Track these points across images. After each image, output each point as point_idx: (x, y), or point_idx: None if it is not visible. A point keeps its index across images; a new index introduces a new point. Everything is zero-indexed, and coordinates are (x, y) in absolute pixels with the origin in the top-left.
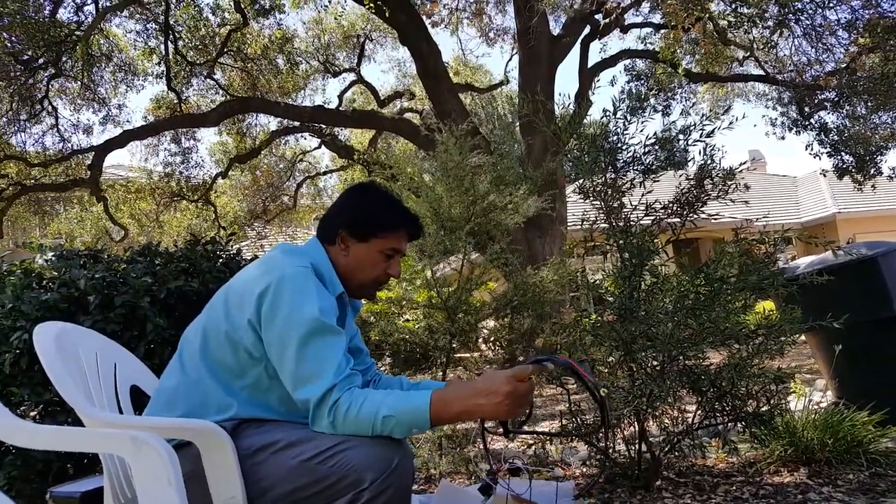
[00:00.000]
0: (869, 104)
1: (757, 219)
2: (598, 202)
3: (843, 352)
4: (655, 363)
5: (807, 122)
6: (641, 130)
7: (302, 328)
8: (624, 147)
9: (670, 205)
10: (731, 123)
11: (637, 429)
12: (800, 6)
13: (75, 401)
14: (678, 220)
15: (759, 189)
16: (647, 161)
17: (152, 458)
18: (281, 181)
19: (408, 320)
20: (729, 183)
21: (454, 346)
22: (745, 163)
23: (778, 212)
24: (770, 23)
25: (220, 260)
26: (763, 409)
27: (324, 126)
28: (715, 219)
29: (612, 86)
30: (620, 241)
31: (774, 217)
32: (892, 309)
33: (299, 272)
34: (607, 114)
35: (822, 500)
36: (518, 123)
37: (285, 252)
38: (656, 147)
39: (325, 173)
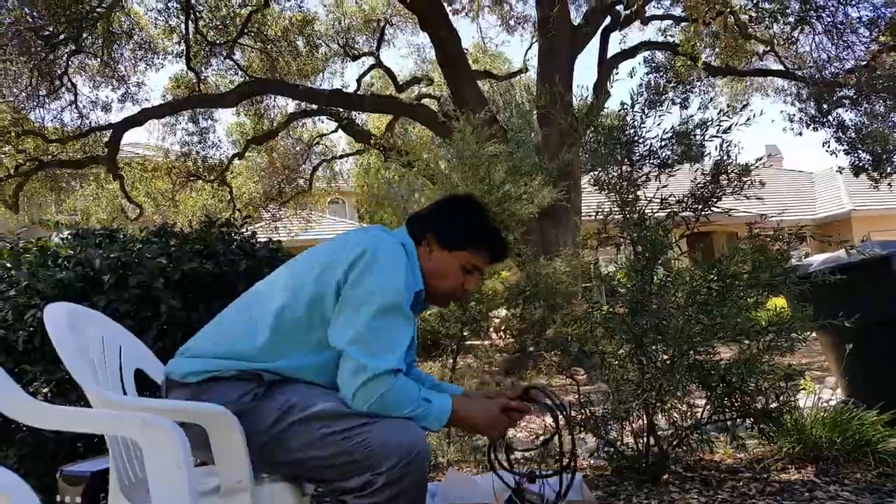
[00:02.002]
0: (888, 102)
1: (771, 216)
2: (614, 195)
3: (854, 351)
4: (665, 357)
5: (825, 119)
6: (659, 124)
7: (387, 298)
8: (641, 140)
9: (685, 199)
10: (748, 120)
11: (646, 422)
12: (821, 2)
13: (85, 382)
14: (692, 214)
15: (775, 184)
16: (664, 155)
17: (163, 441)
18: (297, 164)
19: None
20: (744, 179)
21: (465, 334)
22: (761, 159)
23: (793, 207)
24: (791, 19)
25: (235, 242)
26: (772, 405)
27: (341, 110)
28: (729, 214)
29: (631, 77)
30: (634, 235)
31: (790, 213)
32: None
33: (397, 248)
34: (625, 107)
35: (828, 499)
36: (536, 112)
37: (382, 230)
38: (673, 141)
39: (341, 157)
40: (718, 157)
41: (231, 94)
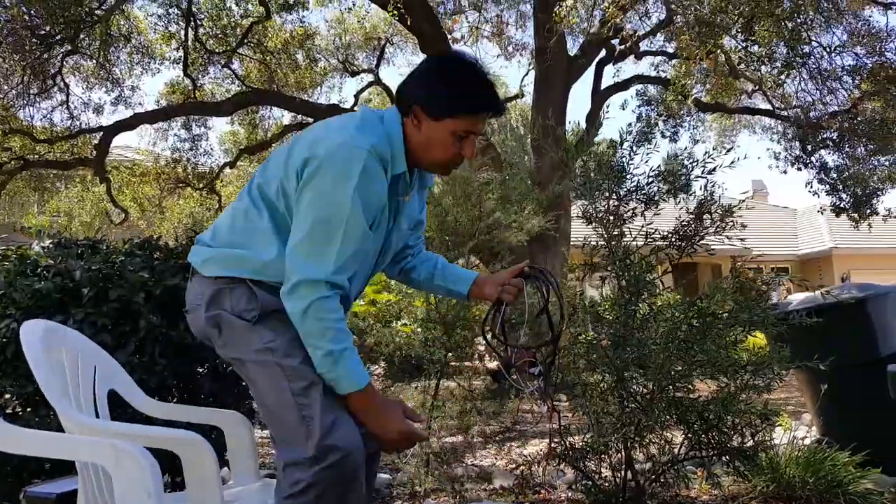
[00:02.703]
0: (868, 147)
1: (750, 258)
2: (600, 228)
3: (829, 391)
4: (646, 391)
5: (808, 160)
6: (646, 161)
7: (324, 211)
8: (628, 176)
9: (670, 235)
10: (732, 162)
11: (624, 456)
12: (807, 49)
13: (58, 404)
14: (676, 252)
15: (759, 219)
16: (651, 191)
17: (133, 469)
18: None
19: (405, 324)
20: (727, 220)
21: (449, 358)
22: (744, 200)
23: (777, 243)
24: (778, 63)
25: None
26: (748, 444)
27: None
28: (713, 253)
29: (623, 109)
30: (619, 270)
31: (773, 248)
32: (878, 352)
33: (353, 155)
34: (614, 144)
35: None
36: (530, 137)
37: (360, 123)
38: (660, 178)
39: None
40: (703, 197)
41: (227, 103)
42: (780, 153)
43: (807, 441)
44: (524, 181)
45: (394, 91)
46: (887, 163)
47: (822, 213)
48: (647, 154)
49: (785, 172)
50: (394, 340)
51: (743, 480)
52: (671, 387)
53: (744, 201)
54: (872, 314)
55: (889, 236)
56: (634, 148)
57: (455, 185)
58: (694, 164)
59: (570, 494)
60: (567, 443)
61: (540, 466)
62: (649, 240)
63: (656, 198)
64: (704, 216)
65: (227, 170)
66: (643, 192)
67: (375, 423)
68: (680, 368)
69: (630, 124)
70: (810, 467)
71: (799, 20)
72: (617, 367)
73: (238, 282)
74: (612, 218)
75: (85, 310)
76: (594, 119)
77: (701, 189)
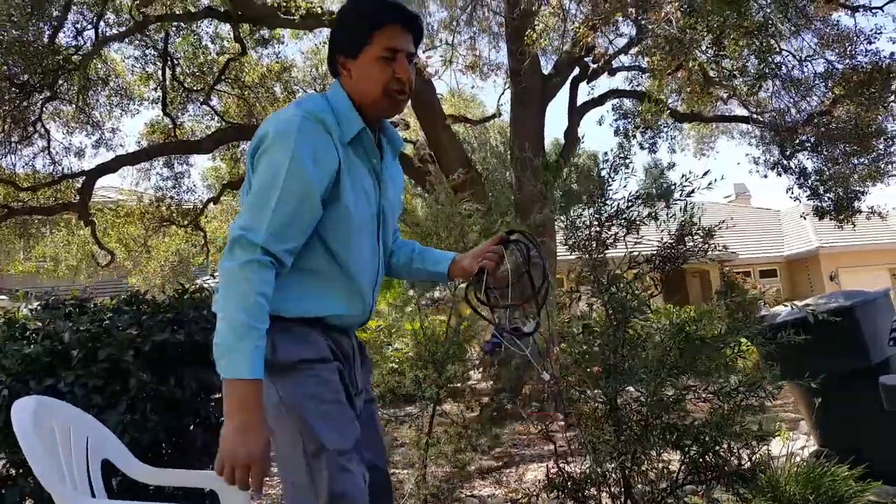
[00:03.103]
0: (845, 149)
1: (741, 254)
2: (584, 256)
3: (824, 402)
4: (639, 417)
5: (787, 165)
6: (625, 186)
7: (265, 176)
8: (608, 202)
9: (653, 258)
10: (710, 184)
11: (622, 485)
12: (778, 59)
13: (51, 484)
14: (660, 272)
15: (744, 223)
16: (631, 216)
17: None
18: None
19: (397, 349)
20: (709, 243)
21: (441, 396)
22: (723, 221)
23: (762, 245)
24: (750, 76)
25: (208, 308)
26: (745, 465)
27: None
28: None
29: (600, 125)
30: (605, 297)
31: (759, 251)
32: (868, 359)
33: (290, 124)
34: (591, 173)
35: None
36: (509, 155)
37: (298, 101)
38: (639, 202)
39: None
40: (683, 219)
41: (207, 141)
42: (759, 158)
43: (806, 452)
44: (506, 214)
45: None
46: (866, 162)
47: (804, 219)
48: (625, 179)
49: (765, 177)
50: (385, 359)
51: (743, 503)
52: (664, 414)
53: (724, 221)
54: (861, 322)
55: (873, 232)
56: (612, 175)
57: (438, 218)
58: (673, 187)
59: None
60: (565, 473)
61: (538, 499)
62: (632, 264)
63: (637, 221)
64: (686, 238)
65: (212, 205)
66: (623, 216)
67: (238, 428)
68: (672, 394)
69: (605, 153)
70: (810, 483)
71: (768, 31)
72: (609, 396)
73: None
74: (594, 244)
75: (75, 372)
76: (572, 136)
77: (681, 211)
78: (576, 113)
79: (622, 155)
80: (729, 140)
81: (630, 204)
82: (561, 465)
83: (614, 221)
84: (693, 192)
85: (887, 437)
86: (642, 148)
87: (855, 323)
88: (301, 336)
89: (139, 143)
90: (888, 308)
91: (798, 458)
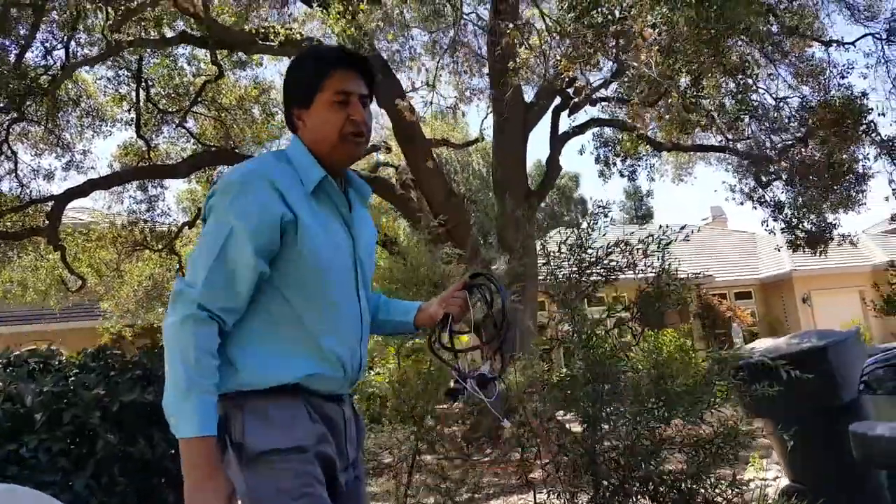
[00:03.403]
0: (819, 183)
1: (717, 277)
2: (564, 308)
3: (795, 438)
4: (617, 467)
5: (762, 197)
6: (604, 234)
7: (207, 231)
8: (588, 250)
9: (631, 307)
10: (686, 237)
11: None
12: (756, 99)
13: None
14: (638, 325)
15: (720, 245)
16: (610, 265)
17: None
18: None
19: (378, 373)
20: (684, 294)
21: (420, 447)
22: (699, 275)
23: (737, 268)
24: (727, 114)
25: None
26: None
27: None
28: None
29: (581, 154)
30: (582, 352)
31: (734, 273)
32: (840, 398)
33: (231, 185)
34: (572, 194)
35: None
36: (492, 179)
37: (252, 159)
38: (618, 249)
39: None
40: (659, 271)
41: (183, 165)
42: (734, 186)
43: (780, 483)
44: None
45: None
46: (839, 192)
47: (778, 250)
48: (605, 228)
49: (741, 204)
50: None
51: None
52: (643, 463)
53: (699, 275)
54: (833, 363)
55: (844, 256)
56: (591, 229)
57: (415, 269)
58: (650, 238)
59: None
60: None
61: None
62: (611, 313)
63: (615, 269)
64: (662, 287)
65: (187, 229)
66: (603, 264)
67: (193, 486)
68: (649, 444)
69: (590, 215)
70: None
71: (746, 72)
72: (588, 449)
73: (234, 400)
74: (574, 293)
75: (38, 436)
76: (554, 163)
77: (658, 261)
78: (557, 140)
79: (603, 206)
80: (707, 166)
81: (609, 252)
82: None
83: (593, 269)
84: (670, 244)
85: (855, 478)
86: (622, 175)
87: (827, 363)
88: (275, 418)
89: (111, 165)
90: (858, 347)
91: (770, 494)
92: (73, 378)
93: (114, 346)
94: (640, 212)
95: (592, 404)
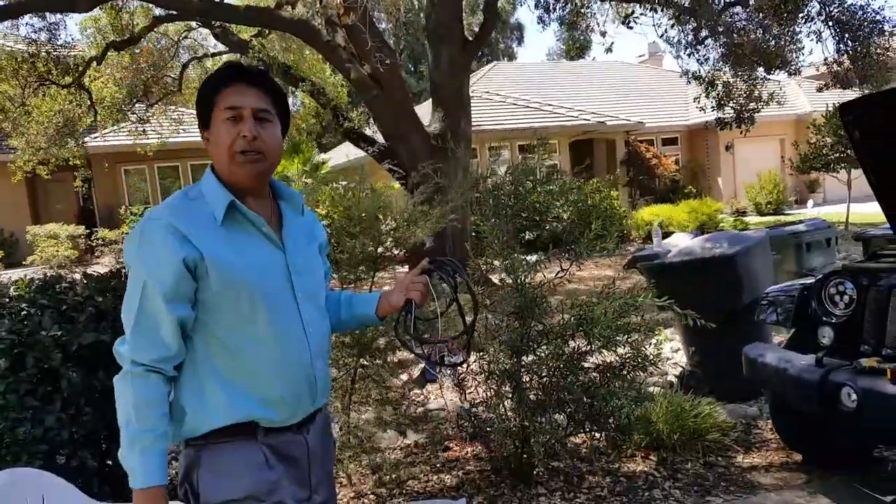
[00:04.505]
0: (753, 63)
1: (647, 123)
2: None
3: (699, 331)
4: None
5: (698, 70)
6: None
7: (128, 289)
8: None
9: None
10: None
11: (521, 436)
12: None
13: None
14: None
15: (654, 86)
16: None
17: None
18: (164, 61)
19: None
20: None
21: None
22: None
23: (668, 112)
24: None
25: None
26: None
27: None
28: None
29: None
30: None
31: (664, 119)
32: (741, 301)
33: (135, 233)
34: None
35: (663, 499)
36: (426, 31)
37: (158, 206)
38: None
39: (214, 55)
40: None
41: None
42: (673, 38)
43: (680, 369)
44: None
45: None
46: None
47: (706, 128)
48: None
49: (680, 57)
50: None
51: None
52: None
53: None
54: (739, 269)
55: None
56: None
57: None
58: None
59: (478, 466)
60: (474, 420)
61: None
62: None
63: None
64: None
65: (95, 65)
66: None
67: None
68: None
69: None
70: (676, 422)
71: None
72: (516, 377)
73: (194, 447)
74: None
75: (5, 381)
76: (492, 11)
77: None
78: None
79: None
80: (650, 12)
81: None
82: (472, 412)
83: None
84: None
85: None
86: (561, 24)
87: (733, 270)
88: (228, 467)
89: None
90: (764, 255)
91: (672, 380)
92: (27, 321)
93: (60, 275)
94: (578, 43)
95: (520, 338)
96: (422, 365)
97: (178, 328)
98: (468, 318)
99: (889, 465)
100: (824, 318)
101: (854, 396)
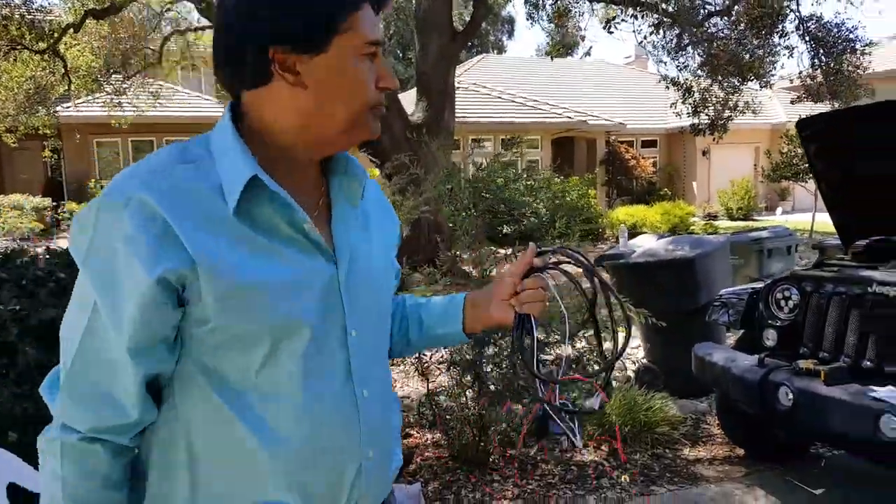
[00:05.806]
0: (730, 73)
1: (627, 125)
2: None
3: (656, 329)
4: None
5: (677, 76)
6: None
7: (72, 304)
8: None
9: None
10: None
11: (479, 425)
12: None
13: None
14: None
15: (639, 88)
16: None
17: None
18: (145, 31)
19: None
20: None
21: None
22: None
23: (648, 115)
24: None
25: None
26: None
27: None
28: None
29: None
30: None
31: (644, 121)
32: (697, 302)
33: (88, 216)
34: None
35: (609, 487)
36: (415, 20)
37: (137, 163)
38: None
39: (196, 29)
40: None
41: None
42: (656, 42)
43: (638, 363)
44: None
45: None
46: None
47: (680, 133)
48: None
49: (661, 62)
50: None
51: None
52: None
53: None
54: (698, 272)
55: (746, 112)
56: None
57: None
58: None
59: (435, 451)
60: (435, 406)
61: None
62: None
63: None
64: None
65: (72, 31)
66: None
67: None
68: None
69: None
70: (629, 415)
71: None
72: (477, 368)
73: None
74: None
75: None
76: (481, 2)
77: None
78: None
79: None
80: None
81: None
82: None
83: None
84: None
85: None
86: (550, 21)
87: (692, 272)
88: None
89: None
90: (723, 260)
91: (630, 374)
92: None
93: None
94: (559, 45)
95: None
96: (538, 406)
97: (144, 384)
98: (600, 335)
99: (822, 461)
100: (769, 321)
101: (790, 396)
